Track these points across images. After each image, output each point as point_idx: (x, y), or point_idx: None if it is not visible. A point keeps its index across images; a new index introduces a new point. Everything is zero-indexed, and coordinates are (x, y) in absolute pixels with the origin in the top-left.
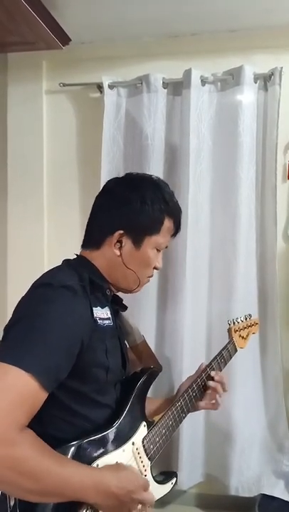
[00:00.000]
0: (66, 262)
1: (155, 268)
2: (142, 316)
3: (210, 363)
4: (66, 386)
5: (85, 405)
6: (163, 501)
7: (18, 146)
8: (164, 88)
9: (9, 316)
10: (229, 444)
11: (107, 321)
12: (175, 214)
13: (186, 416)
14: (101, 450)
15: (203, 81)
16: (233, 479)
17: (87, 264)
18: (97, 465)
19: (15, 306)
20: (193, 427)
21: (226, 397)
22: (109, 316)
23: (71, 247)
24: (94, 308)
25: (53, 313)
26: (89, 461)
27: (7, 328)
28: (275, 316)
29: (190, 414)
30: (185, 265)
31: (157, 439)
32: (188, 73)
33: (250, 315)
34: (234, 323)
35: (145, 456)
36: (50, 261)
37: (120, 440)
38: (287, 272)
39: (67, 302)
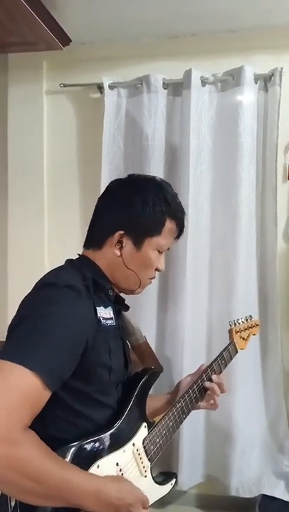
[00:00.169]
0: (69, 261)
1: (157, 270)
2: (143, 316)
3: (210, 364)
4: (70, 386)
5: (88, 405)
6: (163, 501)
7: (18, 146)
8: (165, 89)
9: (10, 316)
10: (229, 444)
11: (110, 321)
12: (177, 216)
13: (186, 417)
14: (102, 451)
15: (204, 81)
16: (233, 480)
17: (90, 264)
18: (98, 466)
19: (16, 306)
20: (193, 427)
21: (226, 398)
22: (112, 316)
23: (71, 248)
24: (97, 308)
25: (56, 313)
26: (89, 461)
27: (11, 328)
28: (276, 317)
29: (190, 413)
30: (185, 265)
31: (158, 439)
32: (188, 74)
33: (250, 316)
34: (235, 324)
35: (145, 456)
36: (51, 261)
37: (121, 441)
38: (288, 272)
39: (71, 302)
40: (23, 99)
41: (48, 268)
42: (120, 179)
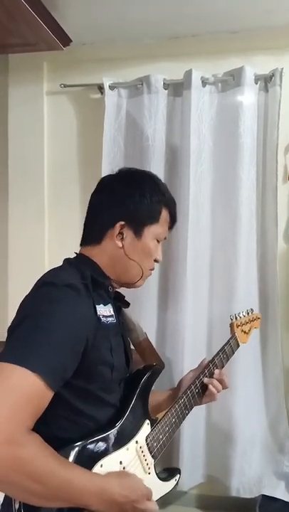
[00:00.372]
0: (67, 261)
1: (156, 261)
2: (143, 315)
3: (212, 359)
4: (72, 385)
5: (91, 404)
6: (164, 502)
7: (18, 147)
8: (165, 89)
9: (10, 316)
10: (230, 444)
11: (110, 319)
12: (170, 205)
13: (189, 412)
14: (105, 449)
15: (204, 82)
16: (233, 480)
17: (88, 262)
18: (101, 465)
19: (16, 306)
20: (194, 427)
21: (227, 398)
22: (112, 313)
23: (72, 248)
24: (97, 306)
25: (57, 313)
26: (93, 461)
27: (11, 329)
28: (276, 317)
29: (191, 413)
30: (186, 265)
31: (161, 436)
32: (188, 74)
33: (252, 309)
34: (236, 318)
35: (149, 454)
36: (51, 261)
37: (124, 439)
38: (288, 272)
39: (71, 301)
40: (24, 100)
41: (48, 268)
42: (112, 175)
